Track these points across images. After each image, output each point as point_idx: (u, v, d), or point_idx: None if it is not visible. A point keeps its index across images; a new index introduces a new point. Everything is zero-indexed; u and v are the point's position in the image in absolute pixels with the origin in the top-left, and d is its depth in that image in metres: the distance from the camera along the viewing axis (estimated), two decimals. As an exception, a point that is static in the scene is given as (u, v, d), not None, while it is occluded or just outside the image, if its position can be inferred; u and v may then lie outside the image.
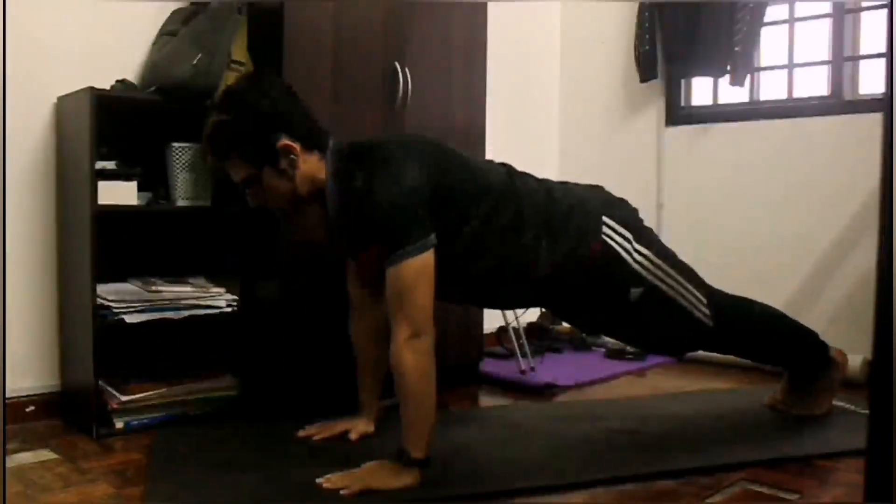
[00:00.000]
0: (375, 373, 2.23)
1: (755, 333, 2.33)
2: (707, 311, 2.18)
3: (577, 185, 2.26)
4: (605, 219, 2.09)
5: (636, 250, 2.10)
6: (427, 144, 2.00)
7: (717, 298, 2.24)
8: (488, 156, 2.96)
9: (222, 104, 1.95)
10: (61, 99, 2.42)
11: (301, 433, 2.19)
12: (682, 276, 2.17)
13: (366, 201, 1.84)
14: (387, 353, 1.85)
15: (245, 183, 1.96)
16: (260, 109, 1.88)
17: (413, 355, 1.79)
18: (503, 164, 2.16)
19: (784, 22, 3.30)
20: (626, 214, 2.17)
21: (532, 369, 3.03)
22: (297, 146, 1.90)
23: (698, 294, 2.19)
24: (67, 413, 2.42)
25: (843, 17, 3.11)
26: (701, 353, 3.30)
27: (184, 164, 2.43)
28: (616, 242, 2.08)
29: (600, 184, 2.32)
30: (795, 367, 2.44)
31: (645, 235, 2.16)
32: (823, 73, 3.19)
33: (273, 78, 2.03)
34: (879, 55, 3.01)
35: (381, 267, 1.86)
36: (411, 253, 1.80)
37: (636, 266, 2.09)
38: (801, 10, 3.27)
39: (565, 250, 2.04)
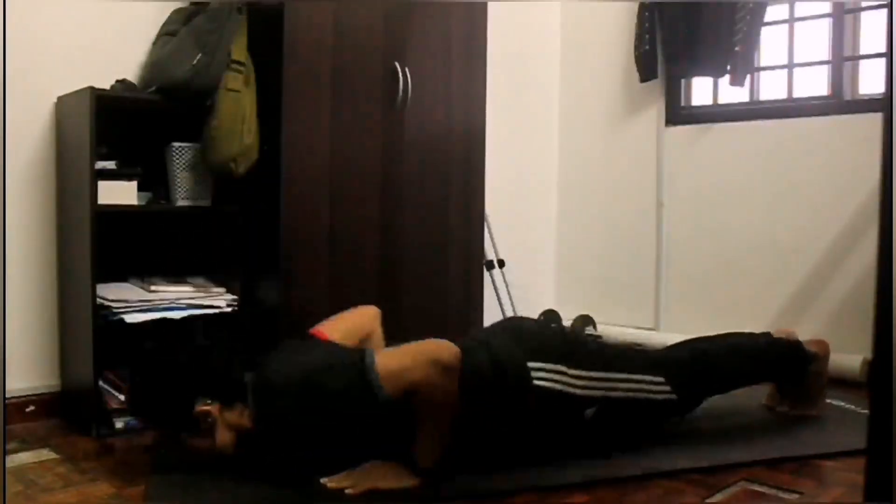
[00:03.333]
0: None
1: (723, 378, 2.28)
2: (667, 388, 2.12)
3: (494, 327, 2.23)
4: (531, 365, 2.00)
5: (572, 377, 2.02)
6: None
7: (672, 367, 2.16)
8: (489, 156, 2.97)
9: (143, 367, 1.97)
10: (61, 99, 2.42)
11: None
12: (632, 372, 2.10)
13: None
14: None
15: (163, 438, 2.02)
16: (172, 379, 1.88)
17: (440, 371, 1.79)
18: None
19: (784, 22, 3.30)
20: (548, 347, 2.06)
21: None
22: (215, 409, 1.85)
23: (651, 379, 2.11)
24: (67, 413, 2.42)
25: (843, 17, 3.11)
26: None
27: (184, 164, 2.43)
28: (552, 381, 2.01)
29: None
30: (777, 378, 2.44)
31: (576, 355, 2.08)
32: (823, 73, 3.18)
33: (182, 342, 2.04)
34: (879, 55, 3.01)
35: None
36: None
37: (579, 392, 2.02)
38: (801, 10, 3.27)
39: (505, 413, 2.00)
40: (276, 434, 1.84)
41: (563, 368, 2.03)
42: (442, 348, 1.84)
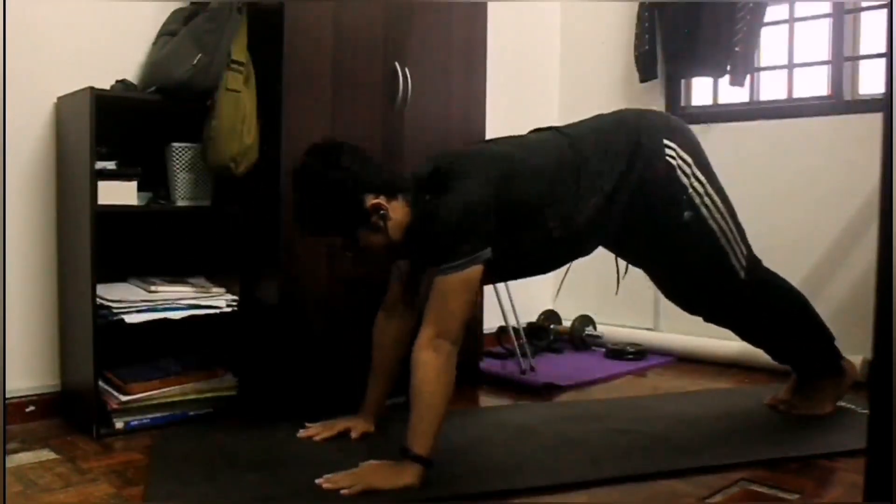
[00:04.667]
0: (390, 374, 2.24)
1: (778, 309, 2.36)
2: (744, 263, 2.23)
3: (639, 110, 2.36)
4: (666, 141, 2.13)
5: (695, 175, 2.15)
6: (495, 157, 2.03)
7: (755, 257, 2.29)
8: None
9: (300, 183, 1.99)
10: (61, 99, 2.42)
11: (302, 433, 2.19)
12: (731, 218, 2.22)
13: (432, 223, 1.91)
14: (406, 359, 1.88)
15: (345, 247, 2.03)
16: (338, 179, 1.92)
17: (433, 353, 1.83)
18: (557, 133, 2.18)
19: (784, 22, 3.30)
20: (686, 140, 2.20)
21: (532, 369, 3.03)
22: (382, 201, 1.94)
23: (740, 241, 2.24)
24: (67, 413, 2.42)
25: (843, 17, 3.11)
26: (701, 352, 3.32)
27: (184, 164, 2.43)
28: (678, 166, 2.13)
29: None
30: (802, 362, 2.45)
31: (703, 161, 2.20)
32: (823, 73, 3.18)
33: (335, 143, 2.04)
34: (879, 55, 3.01)
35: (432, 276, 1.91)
36: (461, 266, 1.86)
37: (692, 191, 2.14)
38: (801, 10, 3.27)
39: (635, 175, 2.09)
40: (430, 223, 1.91)
41: (691, 161, 2.16)
42: (453, 330, 1.87)
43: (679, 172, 2.13)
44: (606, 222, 2.12)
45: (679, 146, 2.15)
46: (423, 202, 1.97)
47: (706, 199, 2.17)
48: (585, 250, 2.24)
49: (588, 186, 2.05)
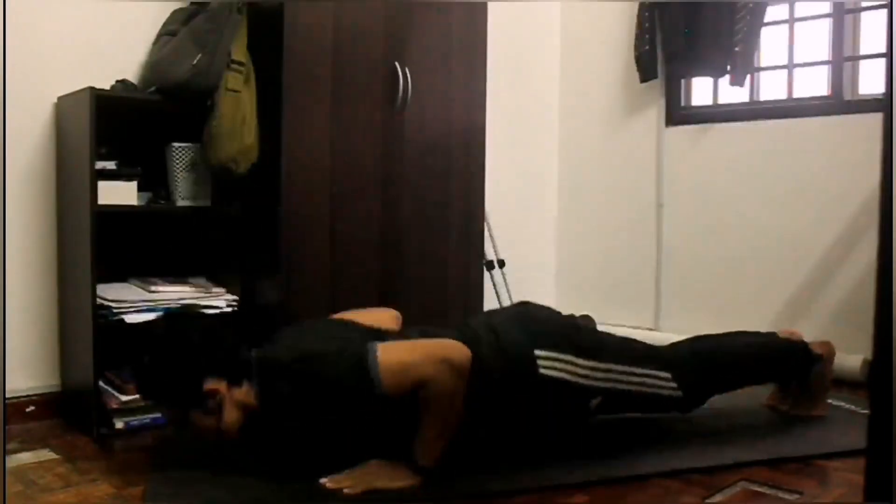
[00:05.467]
0: None
1: (728, 377, 2.28)
2: (673, 385, 2.11)
3: (503, 312, 2.25)
4: (537, 353, 1.99)
5: (580, 366, 2.01)
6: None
7: (678, 363, 2.16)
8: (488, 156, 2.97)
9: (147, 348, 1.90)
10: (61, 99, 2.42)
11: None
12: (636, 366, 2.08)
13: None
14: None
15: (173, 418, 2.00)
16: (180, 357, 1.84)
17: (450, 372, 1.79)
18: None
19: (784, 22, 3.30)
20: (557, 335, 2.05)
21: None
22: (223, 387, 1.83)
23: (658, 374, 2.10)
24: (67, 413, 2.42)
25: (843, 17, 3.11)
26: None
27: (184, 164, 2.43)
28: (557, 371, 1.99)
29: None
30: (782, 378, 2.45)
31: (584, 344, 2.06)
32: (823, 73, 3.18)
33: (196, 319, 2.01)
34: (879, 55, 3.00)
35: None
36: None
37: (585, 382, 2.01)
38: (801, 10, 3.26)
39: (512, 403, 2.00)
40: (276, 414, 1.84)
41: (571, 357, 2.01)
42: (453, 349, 1.84)
43: (564, 377, 1.99)
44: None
45: (553, 348, 2.01)
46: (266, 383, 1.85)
47: (604, 376, 2.03)
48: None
49: None
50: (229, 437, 1.88)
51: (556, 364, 2.00)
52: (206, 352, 1.85)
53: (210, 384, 1.82)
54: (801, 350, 2.36)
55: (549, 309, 2.22)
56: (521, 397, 2.00)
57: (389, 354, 1.80)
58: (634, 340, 2.23)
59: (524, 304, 2.24)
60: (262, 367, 1.85)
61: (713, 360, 2.24)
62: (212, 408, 1.83)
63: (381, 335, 1.94)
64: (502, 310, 2.25)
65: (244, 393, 1.85)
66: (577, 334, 2.11)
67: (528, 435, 2.06)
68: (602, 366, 2.04)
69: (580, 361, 2.02)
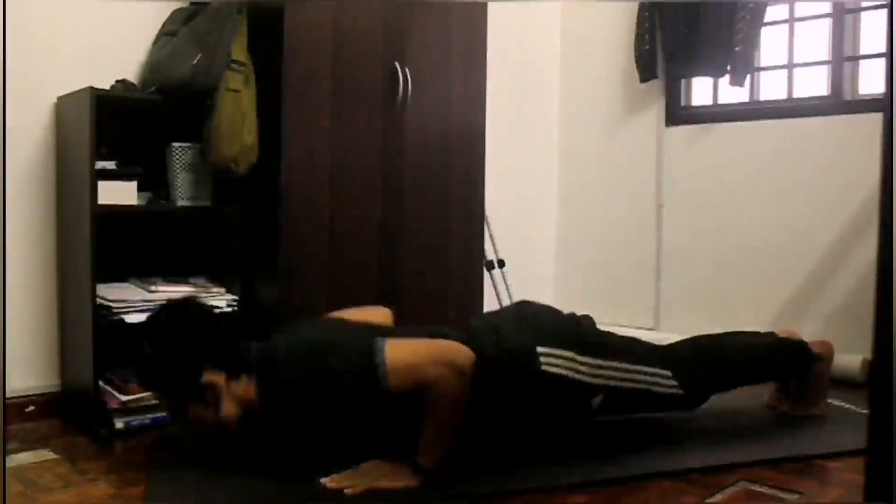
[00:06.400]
0: None
1: (728, 376, 2.29)
2: (674, 383, 2.12)
3: (504, 312, 2.24)
4: (539, 350, 2.00)
5: (581, 363, 2.02)
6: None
7: (678, 362, 2.16)
8: (489, 156, 2.97)
9: (147, 336, 1.90)
10: (61, 99, 2.42)
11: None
12: (637, 364, 2.09)
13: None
14: None
15: (171, 410, 1.99)
16: (178, 347, 1.84)
17: (451, 373, 1.80)
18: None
19: (784, 22, 3.30)
20: (558, 332, 2.06)
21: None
22: (220, 379, 1.84)
23: (658, 372, 2.11)
24: (67, 413, 2.42)
25: (843, 17, 3.11)
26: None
27: (184, 164, 2.43)
28: (559, 367, 2.00)
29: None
30: (781, 377, 2.45)
31: (585, 342, 2.07)
32: (823, 73, 3.18)
33: (194, 308, 2.01)
34: (879, 55, 3.00)
35: None
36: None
37: (587, 379, 2.02)
38: (801, 10, 3.26)
39: (513, 401, 2.00)
40: (278, 409, 1.84)
41: (573, 354, 2.02)
42: (457, 351, 1.85)
43: (565, 373, 1.99)
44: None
45: (555, 345, 2.01)
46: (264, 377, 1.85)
47: (606, 373, 2.04)
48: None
49: None
50: (227, 430, 1.88)
51: (558, 361, 2.00)
52: (205, 343, 1.86)
53: (208, 377, 1.82)
54: (800, 349, 2.37)
55: (550, 307, 2.22)
56: (523, 394, 2.00)
57: (397, 353, 1.79)
58: (636, 339, 2.23)
59: (525, 303, 2.24)
60: (262, 361, 1.85)
61: (714, 359, 2.25)
62: (209, 400, 1.83)
63: (385, 332, 1.94)
64: (504, 309, 2.26)
65: (243, 387, 1.85)
66: (578, 332, 2.11)
67: (530, 433, 2.06)
68: (604, 363, 2.05)
69: (582, 358, 2.02)
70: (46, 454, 2.09)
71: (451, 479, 1.85)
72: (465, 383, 1.81)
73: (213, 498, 1.79)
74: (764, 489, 1.86)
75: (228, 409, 1.85)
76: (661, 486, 1.88)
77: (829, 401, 2.46)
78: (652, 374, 2.10)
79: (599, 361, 2.04)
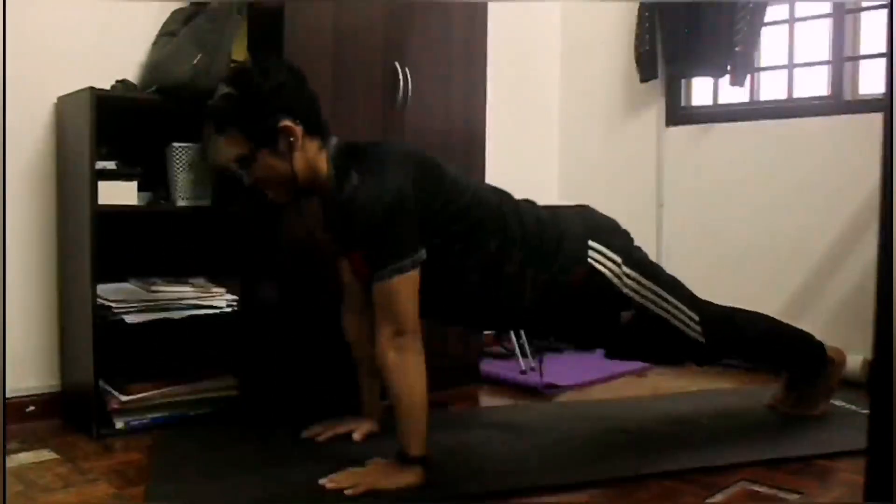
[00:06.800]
0: (373, 370, 2.22)
1: (748, 345, 2.34)
2: (699, 329, 2.15)
3: (567, 208, 2.26)
4: (591, 243, 2.06)
5: (625, 273, 2.07)
6: (419, 156, 1.98)
7: (709, 314, 2.20)
8: (489, 156, 2.97)
9: (231, 79, 1.95)
10: (61, 99, 2.42)
11: (305, 433, 2.19)
12: (674, 296, 2.14)
13: (358, 205, 1.82)
14: None
15: (242, 161, 1.93)
16: (264, 87, 1.87)
17: (396, 353, 1.81)
18: (494, 189, 2.17)
19: (784, 22, 3.30)
20: (613, 237, 2.13)
21: (532, 369, 3.03)
22: (298, 129, 1.88)
23: (690, 313, 2.15)
24: (67, 413, 2.42)
25: (843, 17, 3.11)
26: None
27: (184, 164, 2.43)
28: (605, 267, 2.05)
29: (591, 199, 2.31)
30: (794, 369, 2.45)
31: (635, 257, 2.13)
32: (823, 73, 3.18)
33: (284, 62, 2.02)
34: (879, 55, 3.00)
35: (370, 268, 1.86)
36: (399, 270, 1.81)
37: (626, 290, 2.07)
38: (801, 10, 3.27)
39: (552, 278, 2.02)
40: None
41: (621, 261, 2.07)
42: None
43: (608, 274, 2.05)
44: (515, 309, 2.07)
45: (607, 246, 2.07)
46: (342, 168, 1.89)
47: (643, 292, 2.09)
48: (503, 317, 2.17)
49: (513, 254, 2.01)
50: (286, 192, 1.94)
51: (605, 260, 2.06)
52: (292, 89, 1.90)
53: (287, 121, 1.85)
54: (818, 349, 2.39)
55: (611, 218, 2.26)
56: (565, 285, 2.03)
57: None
58: (678, 280, 2.26)
59: (587, 207, 2.27)
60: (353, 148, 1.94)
61: (741, 326, 2.30)
62: (281, 150, 1.87)
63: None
64: (567, 206, 2.29)
65: (316, 147, 1.91)
66: (632, 247, 2.17)
67: (561, 325, 2.13)
68: (645, 282, 2.10)
69: (627, 269, 2.07)
70: (46, 454, 2.09)
71: (451, 479, 1.85)
72: (418, 361, 1.82)
73: (213, 498, 1.79)
74: (764, 489, 1.86)
75: (299, 163, 1.88)
76: (661, 486, 1.88)
77: (830, 401, 2.46)
78: (683, 312, 2.15)
79: (641, 278, 2.10)
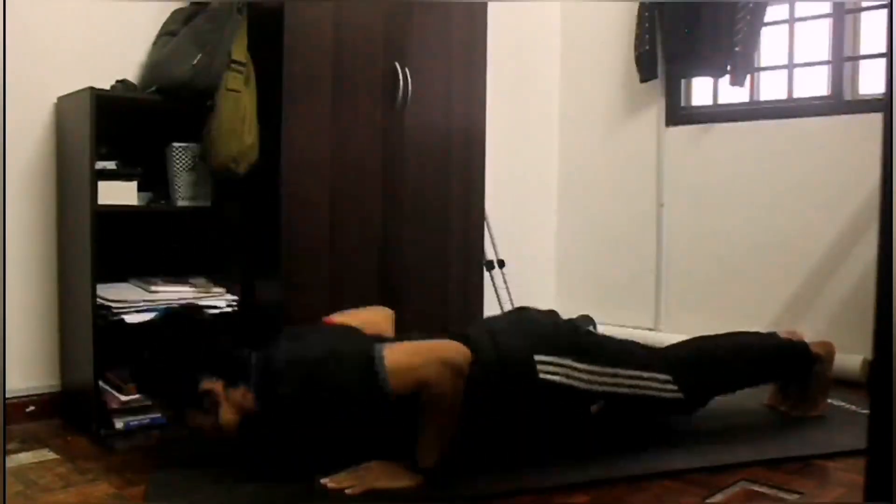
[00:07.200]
0: None
1: (728, 378, 2.27)
2: (674, 387, 2.10)
3: (503, 317, 2.22)
4: (537, 358, 2.00)
5: (578, 370, 2.01)
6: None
7: (676, 362, 2.15)
8: (488, 156, 2.97)
9: (148, 344, 1.90)
10: (61, 99, 2.42)
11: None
12: (634, 368, 2.08)
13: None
14: None
15: (172, 420, 1.97)
16: (177, 354, 1.84)
17: (449, 372, 1.79)
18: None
19: (784, 22, 3.30)
20: (558, 339, 2.06)
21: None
22: (217, 387, 1.83)
23: (657, 376, 2.10)
24: (67, 413, 2.42)
25: (843, 17, 3.11)
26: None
27: (184, 164, 2.43)
28: (557, 375, 1.99)
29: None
30: (783, 379, 2.44)
31: (582, 346, 2.07)
32: (823, 73, 3.18)
33: (196, 314, 2.01)
34: (879, 55, 3.00)
35: None
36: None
37: (584, 385, 2.01)
38: (801, 10, 3.26)
39: (508, 403, 1.98)
40: (278, 418, 1.83)
41: (570, 362, 2.01)
42: (453, 350, 1.84)
43: (564, 381, 1.99)
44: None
45: (554, 353, 2.01)
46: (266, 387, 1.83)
47: (603, 379, 2.03)
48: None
49: None
50: (227, 437, 1.87)
51: (556, 369, 2.00)
52: (202, 351, 1.85)
53: (206, 384, 1.82)
54: (801, 350, 2.36)
55: (547, 313, 2.22)
56: (521, 402, 2.00)
57: (396, 354, 1.80)
58: (634, 343, 2.22)
59: (523, 310, 2.24)
60: (261, 370, 1.85)
61: (714, 362, 2.24)
62: (207, 408, 1.83)
63: (381, 340, 1.94)
64: (501, 316, 2.25)
65: (241, 394, 1.84)
66: (576, 338, 2.11)
67: (528, 440, 2.06)
68: (602, 370, 2.04)
69: (580, 365, 2.02)
70: (46, 454, 2.09)
71: (451, 479, 1.85)
72: (460, 381, 1.81)
73: (212, 498, 1.79)
74: (764, 489, 1.86)
75: (227, 416, 1.84)
76: (661, 486, 1.88)
77: (829, 401, 2.46)
78: (651, 380, 2.09)
79: (597, 368, 2.03)
